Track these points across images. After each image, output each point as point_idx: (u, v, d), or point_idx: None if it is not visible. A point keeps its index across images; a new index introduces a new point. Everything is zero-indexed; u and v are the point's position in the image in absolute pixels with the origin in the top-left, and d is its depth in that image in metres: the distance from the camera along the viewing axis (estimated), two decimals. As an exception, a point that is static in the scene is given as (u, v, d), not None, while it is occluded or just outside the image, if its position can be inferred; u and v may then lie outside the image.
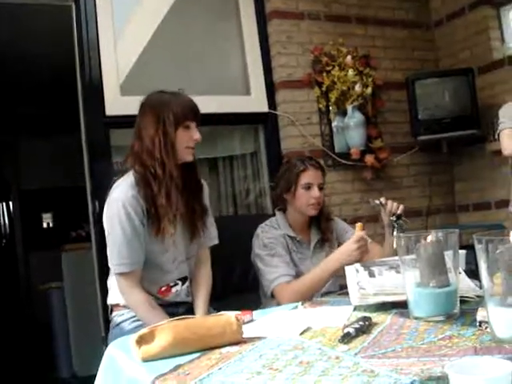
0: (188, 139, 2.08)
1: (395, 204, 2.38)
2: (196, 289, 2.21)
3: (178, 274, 2.15)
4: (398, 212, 2.36)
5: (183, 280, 2.17)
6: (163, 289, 2.11)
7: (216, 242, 2.32)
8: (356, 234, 2.11)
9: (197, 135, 2.10)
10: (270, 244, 2.40)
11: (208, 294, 2.20)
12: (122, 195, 2.00)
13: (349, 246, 2.11)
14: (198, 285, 2.22)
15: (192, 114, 2.09)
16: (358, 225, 2.13)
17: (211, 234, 2.29)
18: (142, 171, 2.02)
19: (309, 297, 2.21)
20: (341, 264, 2.07)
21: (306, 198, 2.44)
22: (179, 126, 2.05)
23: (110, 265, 2.05)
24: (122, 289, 2.05)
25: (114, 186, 2.06)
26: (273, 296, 2.33)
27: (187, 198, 2.12)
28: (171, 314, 1.97)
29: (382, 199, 2.42)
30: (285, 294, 2.23)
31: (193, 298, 2.21)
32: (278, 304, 2.34)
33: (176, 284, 2.14)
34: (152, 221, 2.02)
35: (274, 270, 2.31)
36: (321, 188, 2.48)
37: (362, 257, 2.10)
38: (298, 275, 2.34)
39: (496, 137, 3.17)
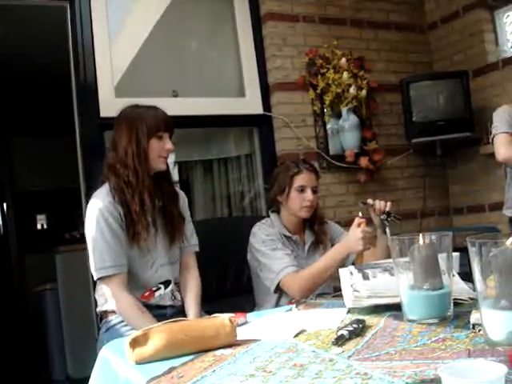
0: (161, 149, 2.14)
1: (382, 202, 2.39)
2: (185, 293, 2.23)
3: (159, 277, 2.16)
4: (387, 209, 2.37)
5: (165, 284, 2.18)
6: (146, 294, 2.13)
7: (196, 249, 2.35)
8: (365, 228, 2.17)
9: (169, 145, 2.16)
10: (270, 240, 2.42)
11: (198, 298, 2.22)
12: (99, 202, 2.06)
13: (355, 234, 2.17)
14: (187, 289, 2.24)
15: (165, 125, 2.15)
16: (363, 221, 2.19)
17: (192, 242, 2.32)
18: (116, 181, 2.08)
19: (317, 286, 2.28)
20: (348, 251, 2.21)
21: (299, 201, 2.45)
22: (152, 136, 2.11)
23: (92, 271, 2.05)
24: (111, 294, 2.05)
25: (91, 198, 2.12)
26: (277, 290, 2.35)
27: (163, 204, 2.18)
28: (159, 316, 2.00)
29: (369, 200, 2.43)
30: (295, 283, 2.27)
31: (183, 303, 2.23)
32: (277, 303, 2.36)
33: (158, 288, 2.15)
34: (127, 226, 2.07)
35: (279, 261, 2.34)
36: (314, 191, 2.48)
37: (366, 248, 2.17)
38: None
39: (490, 140, 3.18)
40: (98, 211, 2.03)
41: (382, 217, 2.37)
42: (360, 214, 2.24)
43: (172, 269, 2.22)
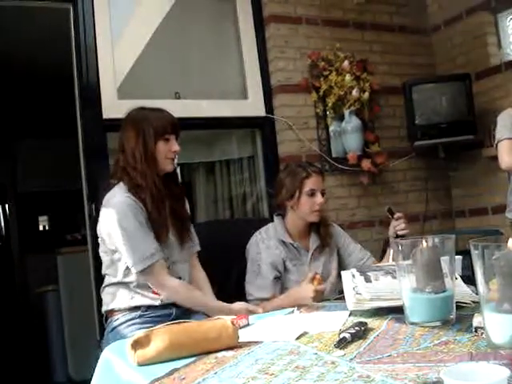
0: (167, 151, 2.18)
1: (402, 225, 2.39)
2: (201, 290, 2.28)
3: (171, 273, 2.17)
4: (400, 233, 2.37)
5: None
6: None
7: (198, 248, 2.40)
8: (318, 287, 2.15)
9: (176, 147, 2.20)
10: (257, 261, 2.45)
11: (211, 290, 2.30)
12: (121, 199, 2.09)
13: (307, 292, 2.15)
14: (201, 286, 2.30)
15: (171, 127, 2.19)
16: (318, 278, 2.20)
17: (195, 241, 2.37)
18: (130, 180, 2.12)
19: None
20: (296, 304, 2.12)
21: (309, 205, 2.45)
22: (159, 138, 2.15)
23: (132, 267, 2.06)
24: (157, 283, 2.09)
25: (107, 197, 2.14)
26: None
27: (171, 204, 2.21)
28: (164, 316, 2.04)
29: (398, 214, 2.42)
30: None
31: None
32: None
33: None
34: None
35: (252, 290, 2.42)
36: (323, 194, 2.49)
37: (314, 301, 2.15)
38: (291, 283, 2.41)
39: (494, 145, 3.16)
40: (121, 207, 2.06)
41: (392, 234, 2.38)
42: (313, 271, 2.26)
43: (184, 267, 2.26)
